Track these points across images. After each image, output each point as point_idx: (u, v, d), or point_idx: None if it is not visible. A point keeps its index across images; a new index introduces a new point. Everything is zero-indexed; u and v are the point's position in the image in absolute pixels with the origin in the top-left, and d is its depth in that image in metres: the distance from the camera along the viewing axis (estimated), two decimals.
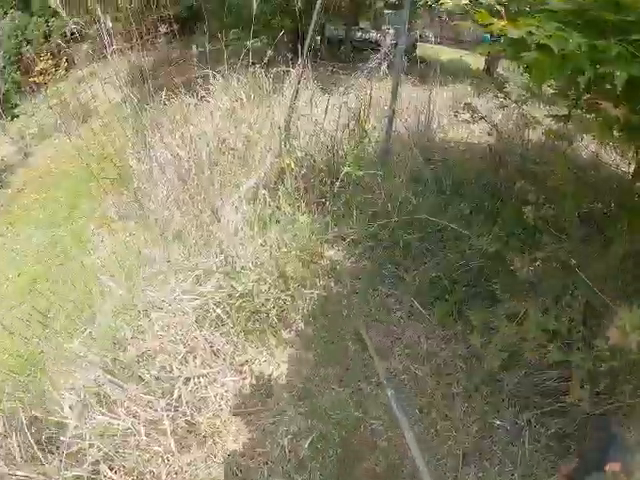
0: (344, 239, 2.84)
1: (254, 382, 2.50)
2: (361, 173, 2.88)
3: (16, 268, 4.69)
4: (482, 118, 3.58)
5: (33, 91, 8.23)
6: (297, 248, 2.64)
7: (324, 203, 2.90)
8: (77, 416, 2.12)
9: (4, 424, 2.36)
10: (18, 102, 8.63)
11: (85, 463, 1.97)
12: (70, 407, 2.19)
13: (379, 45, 3.86)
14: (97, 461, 2.00)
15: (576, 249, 2.27)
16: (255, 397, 2.44)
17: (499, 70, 7.09)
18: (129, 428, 2.09)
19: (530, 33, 1.41)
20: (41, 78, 7.61)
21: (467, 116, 3.56)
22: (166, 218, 3.03)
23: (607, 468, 1.34)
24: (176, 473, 2.09)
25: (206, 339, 2.58)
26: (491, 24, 1.58)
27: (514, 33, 1.48)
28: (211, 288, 2.61)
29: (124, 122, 3.98)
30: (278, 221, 2.72)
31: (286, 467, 2.09)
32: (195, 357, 2.53)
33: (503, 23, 1.53)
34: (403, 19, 3.47)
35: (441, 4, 2.45)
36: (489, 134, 3.83)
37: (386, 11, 5.94)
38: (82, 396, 2.22)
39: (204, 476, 2.11)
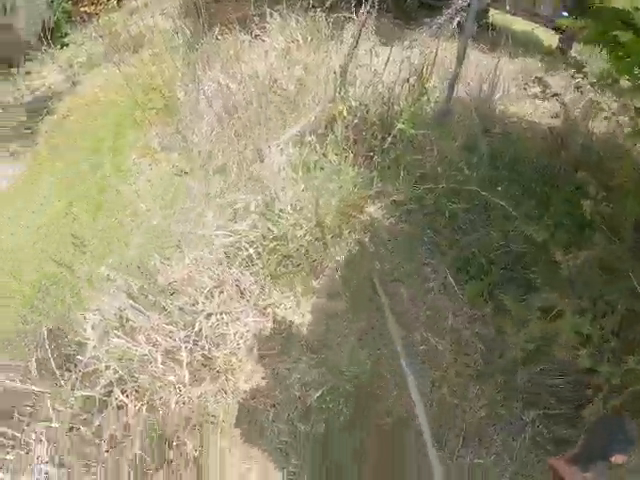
0: (387, 197, 2.72)
1: (276, 326, 2.50)
2: (414, 132, 2.72)
3: (57, 192, 4.82)
4: (554, 95, 3.30)
5: (84, 21, 8.16)
6: (339, 199, 2.55)
7: (372, 157, 2.77)
8: (98, 337, 2.18)
9: (26, 338, 2.47)
10: (68, 31, 8.61)
11: (99, 385, 2.05)
12: (92, 327, 2.26)
13: (450, 2, 3.57)
14: (111, 383, 2.08)
15: (626, 254, 2.12)
16: (274, 341, 2.45)
17: (572, 52, 6.53)
18: (146, 355, 2.15)
19: (637, 9, 1.20)
20: (92, 8, 7.54)
21: (537, 90, 3.28)
22: (209, 152, 2.98)
23: (612, 459, 1.32)
24: (184, 403, 2.15)
25: (234, 277, 2.58)
26: None
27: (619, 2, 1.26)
28: (246, 227, 2.58)
29: (175, 54, 3.89)
30: (322, 168, 2.62)
31: (292, 414, 2.12)
32: (221, 293, 2.54)
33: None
34: None
35: None
36: (553, 117, 3.56)
37: None
38: (105, 319, 2.28)
39: (211, 409, 2.16)
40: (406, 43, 3.21)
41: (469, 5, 3.32)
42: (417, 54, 3.21)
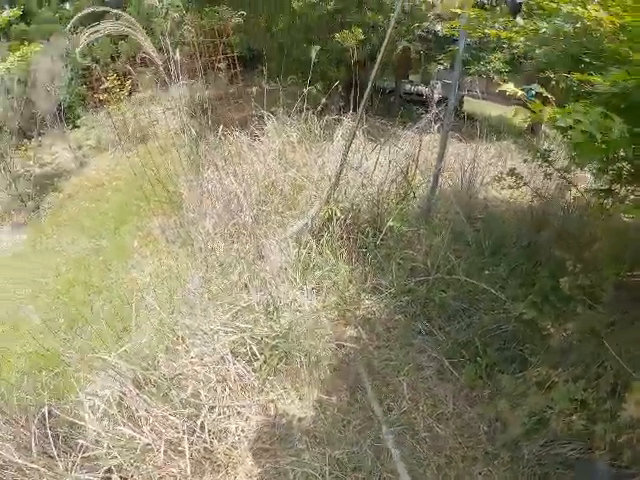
0: (382, 291, 2.87)
1: (277, 421, 2.52)
2: (404, 229, 2.94)
3: (56, 270, 4.92)
4: (525, 184, 3.62)
5: (96, 107, 8.82)
6: (336, 295, 2.69)
7: (365, 254, 2.95)
8: (98, 422, 2.18)
9: (25, 414, 2.43)
10: (81, 114, 9.28)
11: (99, 470, 2.02)
12: (92, 411, 2.26)
13: (426, 99, 4.02)
14: (110, 469, 2.05)
15: (608, 319, 2.24)
16: (275, 436, 2.45)
17: (543, 128, 7.15)
18: (149, 444, 2.14)
19: (578, 121, 1.47)
20: (105, 96, 8.16)
21: (511, 181, 3.60)
22: (211, 249, 3.16)
23: None
24: None
25: (237, 372, 2.63)
26: (541, 111, 1.65)
27: (562, 122, 1.53)
28: (249, 324, 2.68)
29: (180, 149, 4.24)
30: (320, 267, 2.79)
31: None
32: (224, 388, 2.58)
33: (552, 111, 1.60)
34: (453, 78, 3.62)
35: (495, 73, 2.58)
36: (532, 197, 3.86)
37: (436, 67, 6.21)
38: (106, 404, 2.29)
39: None
40: (390, 142, 3.55)
41: (445, 104, 3.75)
42: (403, 153, 3.56)
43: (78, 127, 9.02)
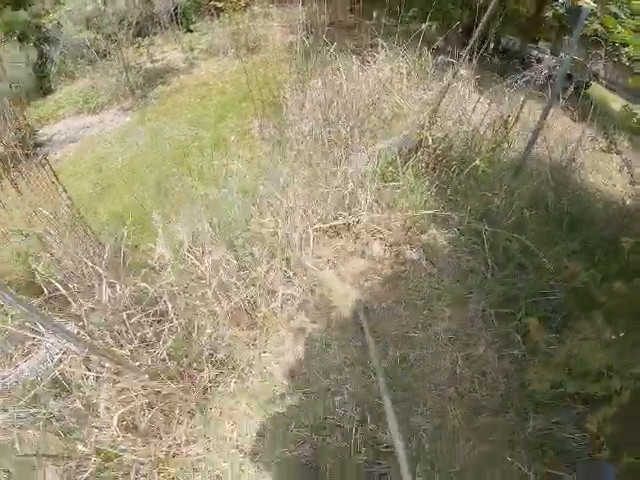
0: (451, 225, 2.99)
1: None
2: (489, 171, 2.98)
3: (157, 152, 5.47)
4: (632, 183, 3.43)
5: (211, 15, 9.12)
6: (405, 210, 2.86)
7: (446, 187, 3.06)
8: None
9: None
10: (195, 20, 9.69)
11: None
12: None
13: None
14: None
15: None
16: None
17: None
18: (203, 278, 2.43)
19: None
20: (221, 4, 8.37)
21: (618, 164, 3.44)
22: (302, 151, 3.42)
23: None
24: None
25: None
26: None
27: None
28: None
29: (291, 60, 4.44)
30: (398, 181, 2.95)
31: None
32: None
33: None
34: (573, 47, 3.40)
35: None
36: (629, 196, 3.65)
37: (566, 37, 5.67)
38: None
39: None
40: (498, 94, 3.49)
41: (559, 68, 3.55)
42: (506, 103, 3.49)
43: (191, 31, 9.44)
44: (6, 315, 2.40)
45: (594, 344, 2.03)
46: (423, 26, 4.13)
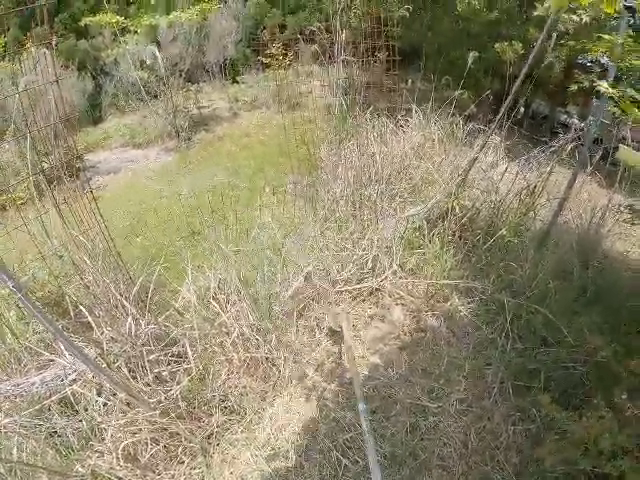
0: (474, 295, 3.06)
1: None
2: (515, 241, 3.07)
3: (194, 196, 5.80)
4: None
5: (257, 69, 9.90)
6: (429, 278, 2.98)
7: (470, 256, 3.16)
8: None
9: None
10: (242, 72, 10.56)
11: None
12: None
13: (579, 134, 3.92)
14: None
15: None
16: None
17: None
18: (225, 326, 2.54)
19: None
20: (268, 60, 9.05)
21: None
22: (333, 209, 3.65)
23: None
24: None
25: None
26: None
27: None
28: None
29: (329, 120, 4.80)
30: (424, 247, 3.09)
31: None
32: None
33: None
34: (598, 108, 3.51)
35: None
36: None
37: (594, 101, 5.78)
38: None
39: None
40: (525, 161, 3.63)
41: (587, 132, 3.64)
42: (534, 172, 3.61)
43: (237, 83, 10.25)
44: (27, 325, 2.54)
45: (610, 423, 2.01)
46: (456, 93, 4.42)
